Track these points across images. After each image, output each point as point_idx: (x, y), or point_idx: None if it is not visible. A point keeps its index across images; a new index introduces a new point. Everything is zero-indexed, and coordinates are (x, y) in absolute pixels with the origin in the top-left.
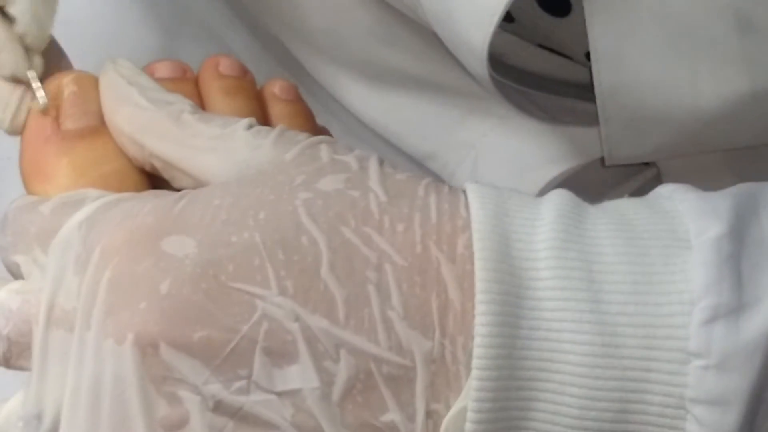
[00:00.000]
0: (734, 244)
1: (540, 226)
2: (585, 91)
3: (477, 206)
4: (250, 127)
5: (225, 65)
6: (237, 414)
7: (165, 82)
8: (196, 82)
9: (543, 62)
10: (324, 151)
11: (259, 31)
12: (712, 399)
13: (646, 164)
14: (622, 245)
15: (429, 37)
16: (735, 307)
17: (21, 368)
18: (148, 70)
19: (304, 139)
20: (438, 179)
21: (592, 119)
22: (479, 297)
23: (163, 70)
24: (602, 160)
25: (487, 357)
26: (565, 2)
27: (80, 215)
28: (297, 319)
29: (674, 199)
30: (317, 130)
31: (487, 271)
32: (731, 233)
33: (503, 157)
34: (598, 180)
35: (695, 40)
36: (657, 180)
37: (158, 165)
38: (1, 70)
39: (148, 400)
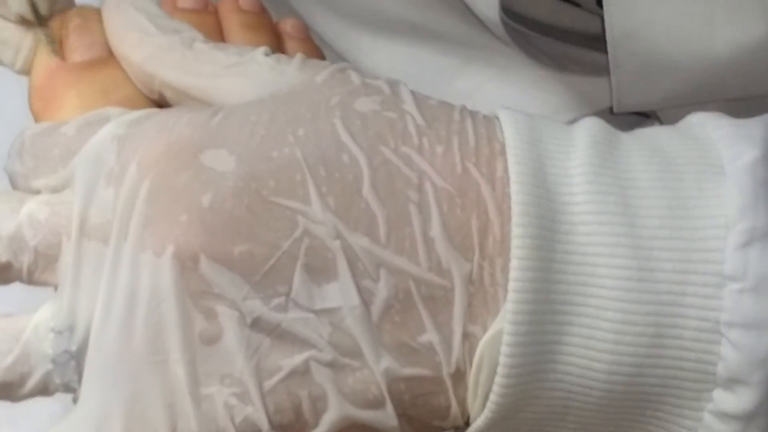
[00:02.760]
0: None
1: (574, 151)
2: (594, 40)
3: (511, 131)
4: (268, 54)
5: (245, 0)
6: (274, 331)
7: (186, 13)
8: (216, 15)
9: (552, 10)
10: (354, 75)
11: None
12: (747, 322)
13: (647, 117)
14: (656, 171)
15: None
16: None
17: (44, 283)
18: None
19: (329, 65)
20: None
21: (599, 69)
22: (516, 220)
23: (186, 0)
24: (610, 109)
25: (524, 279)
26: None
27: (111, 128)
28: (338, 236)
29: (706, 126)
30: None
31: (524, 195)
32: (766, 158)
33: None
34: None
35: None
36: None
37: (168, 94)
38: (7, 12)
39: (186, 314)
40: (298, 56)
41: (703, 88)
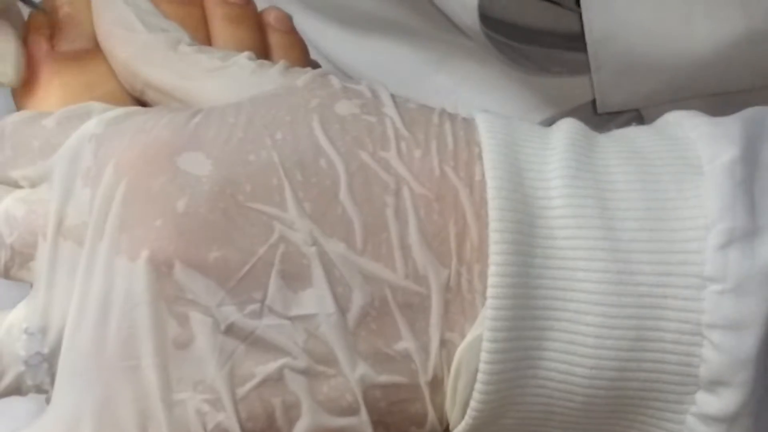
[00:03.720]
0: (747, 168)
1: (551, 155)
2: (574, 40)
3: (487, 135)
4: (251, 58)
5: None
6: (248, 338)
7: (173, 5)
8: (202, 6)
9: (531, 11)
10: (334, 80)
11: None
12: (728, 323)
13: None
14: (633, 172)
15: None
16: (750, 230)
17: (21, 279)
18: None
19: (310, 70)
20: None
21: (580, 68)
22: (493, 225)
23: None
24: (590, 104)
25: (502, 285)
26: None
27: (90, 126)
28: (314, 242)
29: (684, 125)
30: (311, 63)
31: (500, 200)
32: (744, 157)
33: (484, 103)
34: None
35: None
36: (638, 121)
37: (151, 94)
38: None
39: (159, 320)
40: (281, 62)
41: (685, 85)
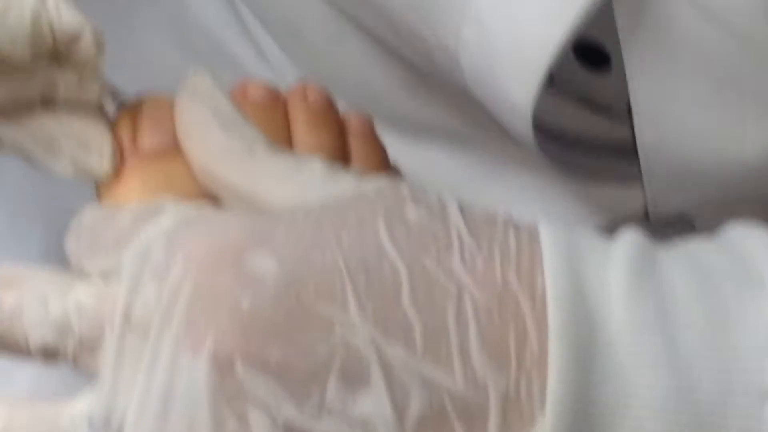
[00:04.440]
0: None
1: (612, 266)
2: (626, 149)
3: (550, 244)
4: (324, 163)
5: (313, 95)
6: None
7: (255, 106)
8: (284, 108)
9: (583, 120)
10: (404, 186)
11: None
12: None
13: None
14: (695, 286)
15: (460, 91)
16: None
17: (87, 368)
18: (240, 88)
19: (383, 178)
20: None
21: (631, 177)
22: (553, 336)
23: (256, 92)
24: (644, 214)
25: (561, 397)
26: (605, 56)
27: (162, 223)
28: (374, 345)
29: (745, 239)
30: (390, 168)
31: (561, 311)
32: None
33: (536, 211)
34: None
35: (741, 87)
36: (690, 227)
37: (224, 194)
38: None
39: (218, 417)
40: (354, 169)
41: (736, 190)
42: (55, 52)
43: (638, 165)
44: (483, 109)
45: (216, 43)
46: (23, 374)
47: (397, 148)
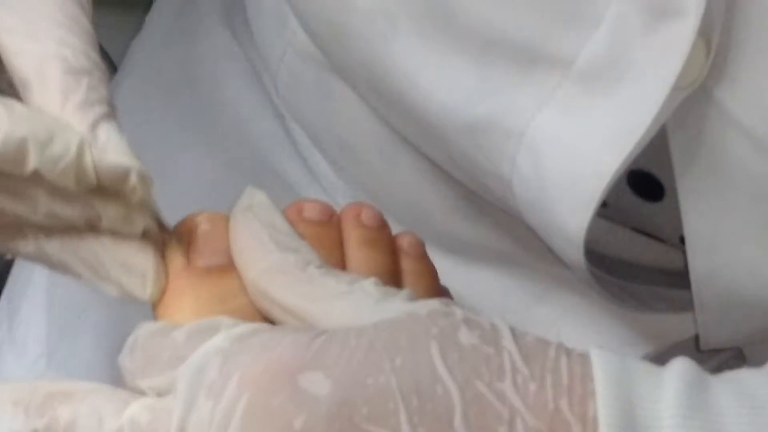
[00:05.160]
0: None
1: (664, 394)
2: (677, 277)
3: (602, 372)
4: (377, 284)
5: (366, 215)
6: None
7: (310, 225)
8: (338, 227)
9: (636, 247)
10: (457, 310)
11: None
12: None
13: None
14: (746, 415)
15: (511, 215)
16: None
17: None
18: (295, 207)
19: (435, 300)
20: None
21: (682, 305)
22: None
23: (311, 211)
24: (694, 342)
25: None
26: (659, 186)
27: (217, 341)
28: None
29: None
30: (440, 289)
31: None
32: None
33: (585, 336)
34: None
35: None
36: (739, 357)
37: (276, 312)
38: (131, 228)
39: None
40: (406, 290)
41: None
42: (99, 187)
43: (690, 293)
44: (534, 233)
45: (266, 162)
46: None
47: (445, 268)
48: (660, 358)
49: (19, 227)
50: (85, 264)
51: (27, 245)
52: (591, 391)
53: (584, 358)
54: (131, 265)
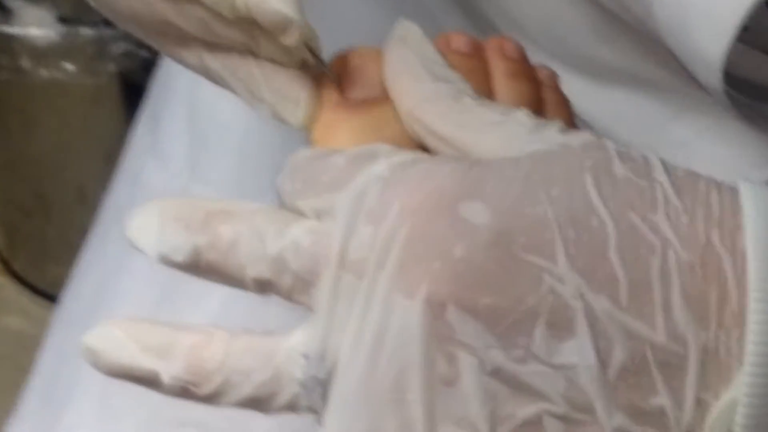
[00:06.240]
0: None
1: None
2: None
3: (752, 205)
4: (530, 116)
5: (509, 48)
6: (512, 381)
7: (458, 56)
8: (484, 59)
9: None
10: (609, 143)
11: (475, 15)
12: None
13: None
14: None
15: (650, 38)
16: None
17: (299, 303)
18: (443, 38)
19: (587, 132)
20: None
21: None
22: (753, 295)
23: (459, 42)
24: None
25: (760, 353)
26: None
27: (378, 168)
28: (581, 296)
29: None
30: (574, 120)
31: (762, 271)
32: None
33: (719, 157)
34: None
35: None
36: None
37: (430, 141)
38: (290, 59)
39: (429, 357)
40: (558, 121)
41: None
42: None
43: None
44: (671, 55)
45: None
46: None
47: (577, 89)
48: None
49: (185, 39)
50: (243, 85)
51: (191, 56)
52: (741, 224)
53: (734, 191)
54: (286, 91)
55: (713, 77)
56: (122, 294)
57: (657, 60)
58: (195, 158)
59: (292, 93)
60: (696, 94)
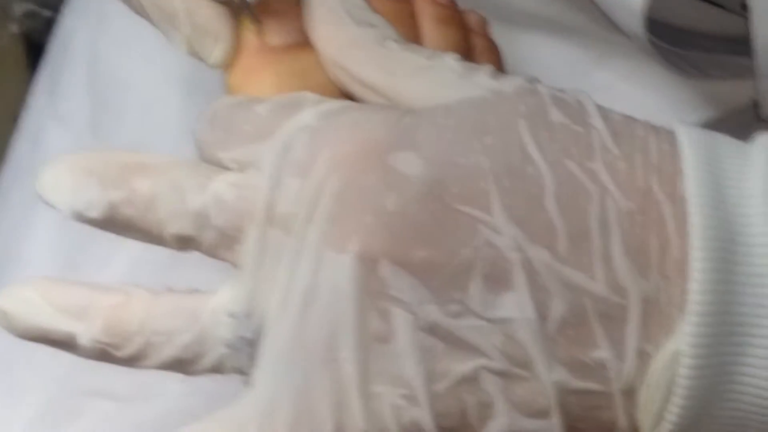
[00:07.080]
0: None
1: (751, 171)
2: (739, 44)
3: (690, 150)
4: (458, 60)
5: None
6: (448, 337)
7: (382, 1)
8: (411, 4)
9: (696, 15)
10: (542, 88)
11: None
12: None
13: None
14: None
15: None
16: None
17: (223, 260)
18: None
19: (518, 77)
20: None
21: (742, 72)
22: (695, 242)
23: None
24: (753, 110)
25: (703, 303)
26: None
27: (305, 118)
28: (518, 248)
29: None
30: (504, 67)
31: (703, 217)
32: None
33: (643, 102)
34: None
35: None
36: None
37: (355, 89)
38: None
39: (362, 313)
40: (488, 66)
41: None
42: None
43: (749, 60)
44: (592, 2)
45: None
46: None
47: (506, 39)
48: (718, 124)
49: None
50: (162, 15)
51: None
52: (680, 170)
53: (672, 136)
54: (206, 25)
55: (635, 23)
56: (25, 259)
57: (579, 6)
58: (97, 119)
59: (212, 28)
60: (618, 39)
